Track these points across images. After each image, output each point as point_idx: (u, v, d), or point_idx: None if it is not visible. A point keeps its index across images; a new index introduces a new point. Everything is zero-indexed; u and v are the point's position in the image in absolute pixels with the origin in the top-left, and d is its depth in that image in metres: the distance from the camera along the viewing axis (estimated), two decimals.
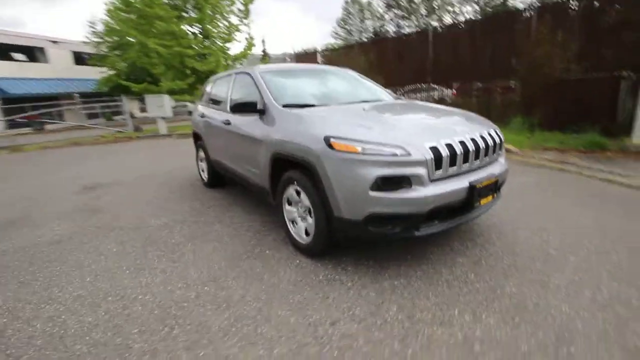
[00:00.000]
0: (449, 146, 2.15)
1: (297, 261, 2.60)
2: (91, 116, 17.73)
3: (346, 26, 44.34)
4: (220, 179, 4.68)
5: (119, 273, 2.58)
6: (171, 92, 13.36)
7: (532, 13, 7.42)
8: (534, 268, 2.35)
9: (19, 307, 2.21)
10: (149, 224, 3.55)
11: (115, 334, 1.91)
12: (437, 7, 40.33)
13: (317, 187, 2.33)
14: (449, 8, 40.02)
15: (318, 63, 12.08)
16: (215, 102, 4.25)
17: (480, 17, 27.03)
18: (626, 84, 6.28)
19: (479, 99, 8.48)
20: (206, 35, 14.09)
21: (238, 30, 14.88)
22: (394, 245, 2.74)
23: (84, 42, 19.72)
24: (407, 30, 41.46)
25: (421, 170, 2.05)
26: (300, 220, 2.67)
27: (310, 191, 2.39)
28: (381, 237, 2.21)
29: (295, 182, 2.53)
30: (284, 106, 2.85)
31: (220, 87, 4.23)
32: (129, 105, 13.43)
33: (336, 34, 46.72)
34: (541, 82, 7.11)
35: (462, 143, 2.22)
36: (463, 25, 9.00)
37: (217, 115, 3.95)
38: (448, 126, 2.43)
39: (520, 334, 1.75)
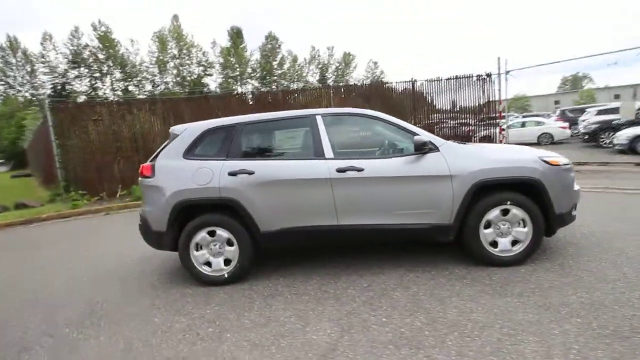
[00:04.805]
0: None
1: (531, 271, 2.94)
2: None
3: (7, 78, 33.14)
4: (253, 262, 3.28)
5: None
6: None
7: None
8: None
9: None
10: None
11: None
12: (132, 73, 39.63)
13: (536, 196, 2.95)
14: (148, 76, 40.61)
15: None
16: (266, 153, 3.16)
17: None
18: None
19: None
20: None
21: None
22: None
23: None
24: (102, 92, 37.41)
25: None
26: (501, 237, 3.02)
27: (527, 202, 2.95)
28: (573, 219, 3.19)
29: (509, 202, 2.95)
30: None
31: (273, 134, 3.25)
32: None
33: None
34: None
35: None
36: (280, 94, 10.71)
37: (300, 168, 3.03)
38: None
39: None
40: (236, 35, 43.55)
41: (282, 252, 3.81)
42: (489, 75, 9.34)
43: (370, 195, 3.00)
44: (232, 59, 43.47)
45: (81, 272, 3.90)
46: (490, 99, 9.55)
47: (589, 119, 13.94)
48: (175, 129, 3.41)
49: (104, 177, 9.41)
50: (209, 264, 3.16)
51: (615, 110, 13.79)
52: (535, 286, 2.66)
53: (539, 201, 2.97)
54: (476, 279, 2.85)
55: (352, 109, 3.31)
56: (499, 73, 9.28)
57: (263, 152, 3.23)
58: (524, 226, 2.99)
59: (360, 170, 2.98)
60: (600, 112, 14.73)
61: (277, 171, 3.04)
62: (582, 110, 16.77)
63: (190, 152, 3.21)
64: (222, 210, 3.10)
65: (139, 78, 39.56)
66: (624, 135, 10.33)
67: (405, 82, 9.74)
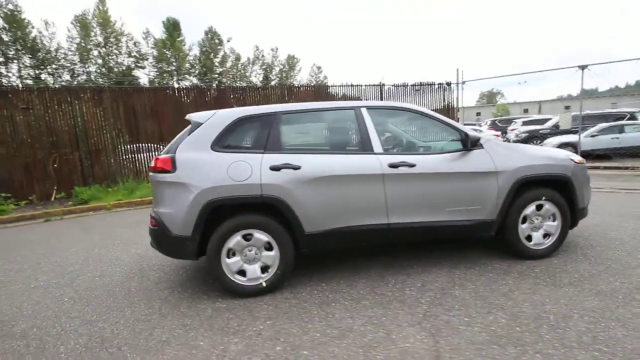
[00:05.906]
0: None
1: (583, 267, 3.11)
2: None
3: None
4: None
5: None
6: None
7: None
8: None
9: None
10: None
11: None
12: (46, 60, 34.43)
13: (565, 192, 3.15)
14: (66, 64, 35.71)
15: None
16: (309, 146, 2.86)
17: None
18: None
19: None
20: None
21: None
22: None
23: None
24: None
25: None
26: (534, 231, 3.16)
27: (558, 197, 3.13)
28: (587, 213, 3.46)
29: (543, 197, 3.09)
30: None
31: (315, 126, 2.96)
32: None
33: None
34: None
35: None
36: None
37: (351, 163, 2.80)
38: None
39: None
40: (172, 27, 40.53)
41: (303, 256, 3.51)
42: (448, 84, 10.07)
43: (422, 192, 2.90)
44: (167, 52, 40.34)
45: (55, 290, 3.12)
46: (449, 106, 10.28)
47: (519, 128, 15.89)
48: (195, 116, 2.92)
49: (35, 176, 7.88)
50: (241, 272, 2.75)
51: (538, 122, 15.95)
52: (578, 276, 2.81)
53: (566, 196, 3.18)
54: (522, 273, 2.93)
55: (398, 103, 3.21)
56: (457, 83, 10.05)
57: (306, 145, 2.94)
58: (554, 220, 3.17)
59: (412, 165, 2.87)
60: (525, 123, 16.91)
61: (326, 166, 2.77)
62: (510, 121, 19.08)
63: (219, 143, 2.77)
64: (261, 209, 2.73)
65: (54, 66, 34.43)
66: (550, 144, 11.95)
67: (374, 85, 9.99)
